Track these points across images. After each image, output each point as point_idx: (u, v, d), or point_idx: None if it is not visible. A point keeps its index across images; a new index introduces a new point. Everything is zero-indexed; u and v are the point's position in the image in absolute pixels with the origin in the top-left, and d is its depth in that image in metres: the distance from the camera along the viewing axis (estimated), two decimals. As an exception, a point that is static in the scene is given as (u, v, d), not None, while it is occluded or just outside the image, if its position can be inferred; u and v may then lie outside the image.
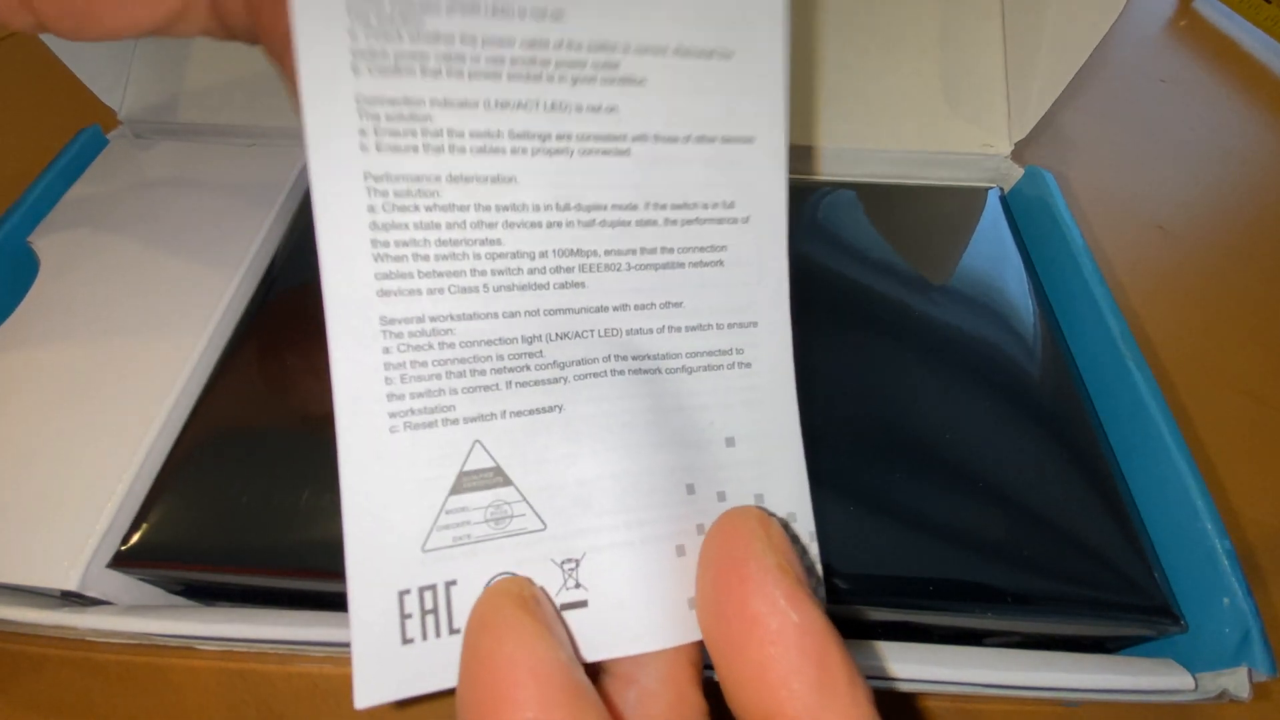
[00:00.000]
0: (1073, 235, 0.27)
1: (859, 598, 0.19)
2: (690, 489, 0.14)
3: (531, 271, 0.14)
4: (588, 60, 0.13)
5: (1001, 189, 0.30)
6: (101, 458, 0.21)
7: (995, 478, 0.21)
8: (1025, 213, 0.29)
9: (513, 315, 0.14)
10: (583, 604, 0.13)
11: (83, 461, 0.21)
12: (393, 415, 0.13)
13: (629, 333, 0.14)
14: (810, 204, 0.29)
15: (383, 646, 0.12)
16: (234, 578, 0.20)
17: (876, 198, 0.30)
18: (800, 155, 0.32)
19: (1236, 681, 0.17)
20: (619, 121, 0.14)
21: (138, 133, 0.32)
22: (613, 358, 0.14)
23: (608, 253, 0.14)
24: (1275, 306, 0.31)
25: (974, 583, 0.19)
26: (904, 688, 0.19)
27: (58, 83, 0.31)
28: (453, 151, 0.13)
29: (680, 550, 0.14)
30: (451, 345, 0.13)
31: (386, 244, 0.13)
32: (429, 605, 0.13)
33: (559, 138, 0.13)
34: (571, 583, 0.13)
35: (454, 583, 0.13)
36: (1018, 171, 0.31)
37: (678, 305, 0.15)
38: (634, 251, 0.14)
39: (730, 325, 0.15)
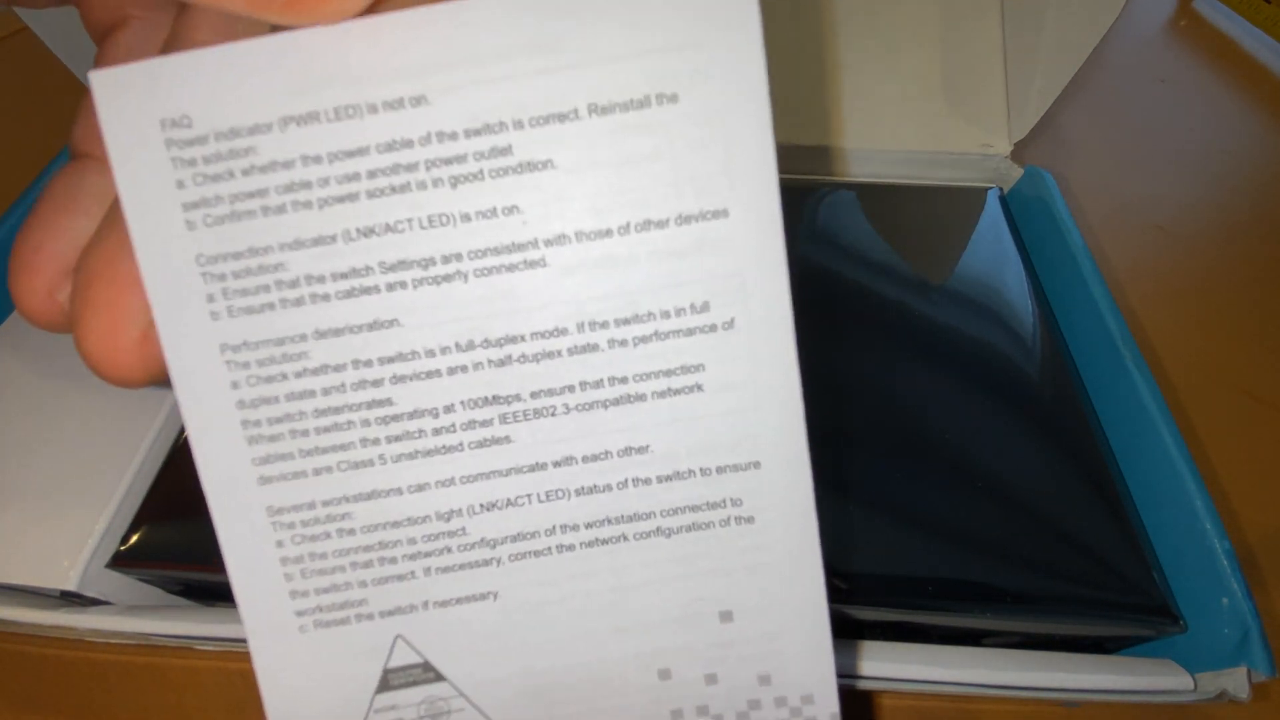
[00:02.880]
0: (1072, 235, 0.27)
1: (858, 598, 0.19)
2: (664, 674, 0.12)
3: (437, 432, 0.11)
4: (468, 152, 0.10)
5: (1001, 189, 0.30)
6: (101, 458, 0.21)
7: (994, 478, 0.21)
8: (1025, 213, 0.29)
9: (420, 489, 0.11)
10: None
11: (83, 461, 0.21)
12: (300, 614, 0.11)
13: (579, 493, 0.12)
14: (809, 204, 0.29)
15: None
16: (233, 578, 0.20)
17: (876, 198, 0.30)
18: (799, 155, 0.32)
19: (1235, 682, 0.17)
20: (523, 224, 0.10)
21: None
22: (559, 529, 0.12)
23: (535, 395, 0.11)
24: (1275, 306, 0.31)
25: (973, 583, 0.19)
26: (904, 688, 0.19)
27: (58, 83, 0.31)
28: (315, 301, 0.10)
29: None
30: (352, 532, 0.11)
31: (258, 423, 0.11)
32: None
33: (445, 260, 0.10)
34: None
35: None
36: (1017, 172, 0.31)
37: (643, 451, 0.11)
38: (570, 389, 0.11)
39: (720, 469, 0.12)
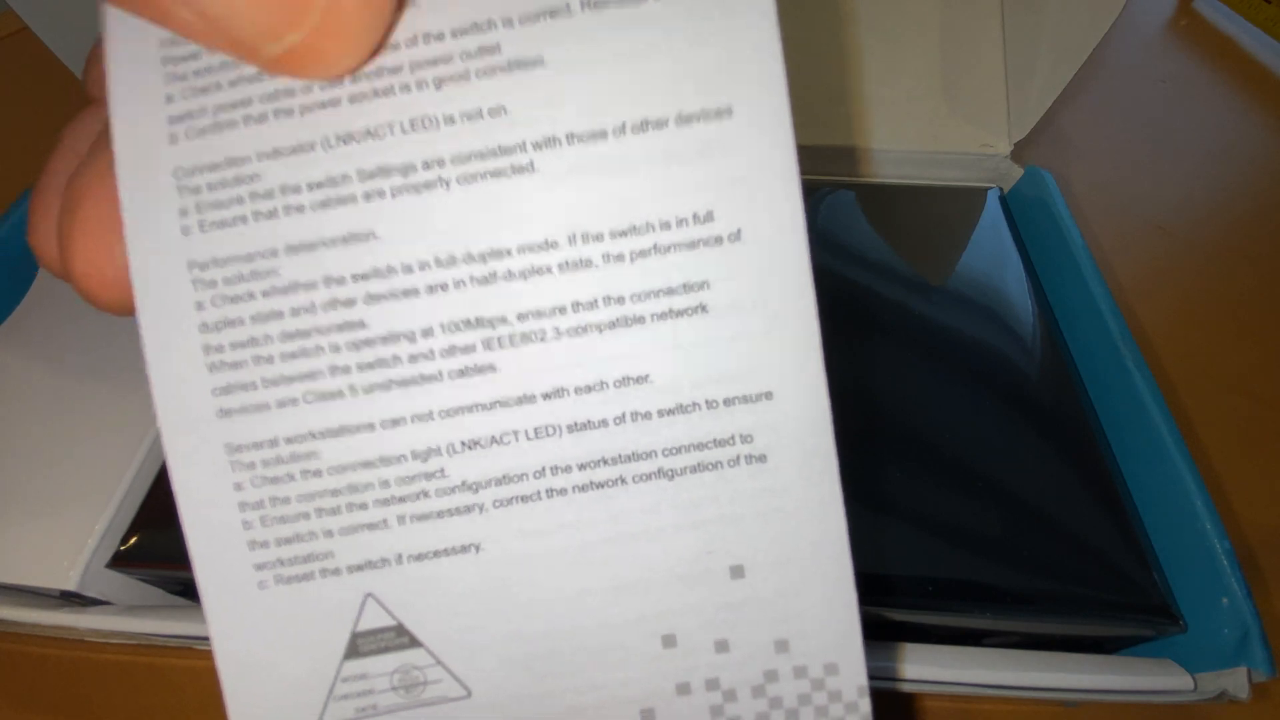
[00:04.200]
0: (1072, 235, 0.27)
1: (858, 598, 0.19)
2: (669, 640, 0.11)
3: (414, 359, 0.10)
4: (454, 51, 0.09)
5: (1001, 189, 0.30)
6: (101, 458, 0.21)
7: (995, 478, 0.21)
8: (1025, 213, 0.29)
9: (395, 424, 0.10)
10: None
11: (83, 461, 0.21)
12: (259, 567, 0.10)
13: (571, 429, 0.10)
14: (808, 204, 0.29)
15: None
16: (233, 578, 0.20)
17: (876, 198, 0.30)
18: (798, 155, 0.32)
19: (1235, 682, 0.17)
20: (511, 126, 0.10)
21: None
22: (549, 470, 0.10)
23: (522, 317, 0.10)
24: (1275, 306, 0.31)
25: (973, 583, 0.19)
26: (904, 688, 0.19)
27: (58, 83, 0.31)
28: (288, 213, 0.10)
29: (647, 716, 0.11)
30: (318, 473, 0.10)
31: (220, 348, 0.10)
32: None
33: (427, 166, 0.10)
34: None
35: None
36: (1017, 172, 0.31)
37: (642, 381, 0.10)
38: (561, 310, 0.10)
39: (729, 401, 0.10)
